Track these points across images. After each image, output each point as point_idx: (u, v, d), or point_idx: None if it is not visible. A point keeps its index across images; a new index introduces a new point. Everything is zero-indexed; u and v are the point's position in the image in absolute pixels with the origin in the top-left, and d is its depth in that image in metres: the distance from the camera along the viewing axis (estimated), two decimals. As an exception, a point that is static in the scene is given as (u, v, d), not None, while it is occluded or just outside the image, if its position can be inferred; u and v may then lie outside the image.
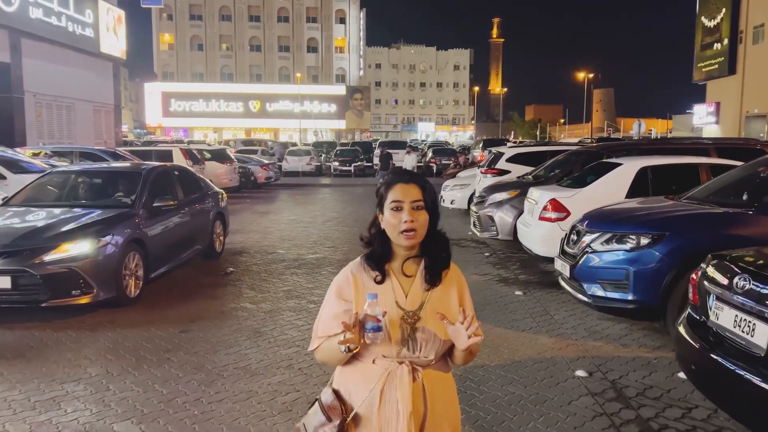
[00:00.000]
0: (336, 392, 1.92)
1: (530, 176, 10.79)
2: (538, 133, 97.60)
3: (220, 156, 20.94)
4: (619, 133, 68.74)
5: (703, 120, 50.97)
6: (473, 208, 11.07)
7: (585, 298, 5.55)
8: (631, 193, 7.35)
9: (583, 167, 9.22)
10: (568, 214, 7.45)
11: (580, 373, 4.60)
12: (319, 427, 1.87)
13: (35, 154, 15.50)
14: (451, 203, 14.81)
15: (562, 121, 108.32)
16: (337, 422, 1.85)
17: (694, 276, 3.79)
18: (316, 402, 1.94)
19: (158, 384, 4.42)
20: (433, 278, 1.91)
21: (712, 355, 3.33)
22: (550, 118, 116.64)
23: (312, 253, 9.80)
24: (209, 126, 69.29)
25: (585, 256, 5.55)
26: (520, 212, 9.32)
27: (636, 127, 32.25)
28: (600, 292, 5.40)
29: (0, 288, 5.71)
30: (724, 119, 47.90)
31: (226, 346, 5.27)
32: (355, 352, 1.82)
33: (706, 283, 3.59)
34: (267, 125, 70.30)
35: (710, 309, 3.48)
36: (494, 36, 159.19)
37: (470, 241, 10.94)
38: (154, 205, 7.30)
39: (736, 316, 3.23)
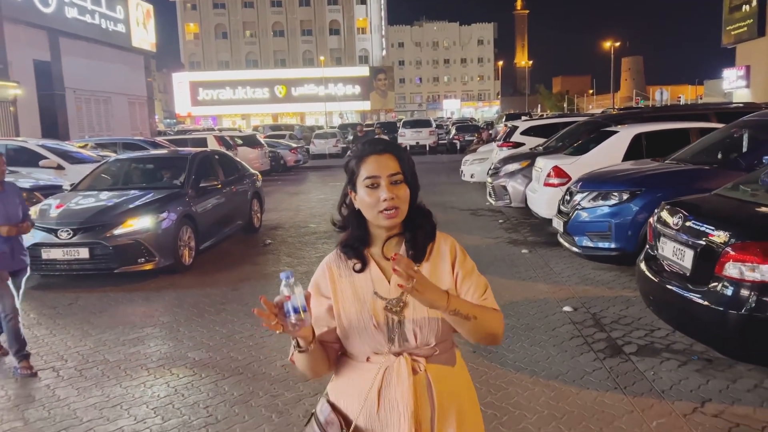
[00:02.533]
0: (332, 404, 1.70)
1: (541, 147, 11.54)
2: (565, 104, 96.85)
3: (250, 141, 21.99)
4: (648, 101, 68.06)
5: (734, 84, 50.05)
6: (488, 179, 11.87)
7: (576, 249, 6.40)
8: (627, 158, 8.07)
9: (589, 137, 9.94)
10: (569, 179, 8.22)
11: (566, 308, 5.47)
12: None
13: (82, 147, 16.75)
14: (471, 177, 15.55)
15: (591, 91, 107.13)
16: None
17: (651, 220, 4.62)
18: (312, 418, 1.73)
19: (218, 326, 5.45)
20: (416, 254, 1.67)
21: (660, 280, 4.17)
22: (578, 89, 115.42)
23: (340, 225, 10.75)
24: (237, 113, 70.62)
25: (575, 213, 6.40)
26: (531, 181, 10.10)
27: (659, 96, 32.32)
28: (588, 243, 6.25)
29: (80, 258, 6.81)
30: (755, 82, 47.04)
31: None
32: (308, 349, 1.57)
33: (658, 225, 4.43)
34: (293, 110, 71.33)
35: (658, 244, 4.32)
36: (519, 7, 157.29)
37: (487, 211, 11.76)
38: (201, 185, 8.33)
39: (674, 247, 4.07)
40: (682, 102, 57.09)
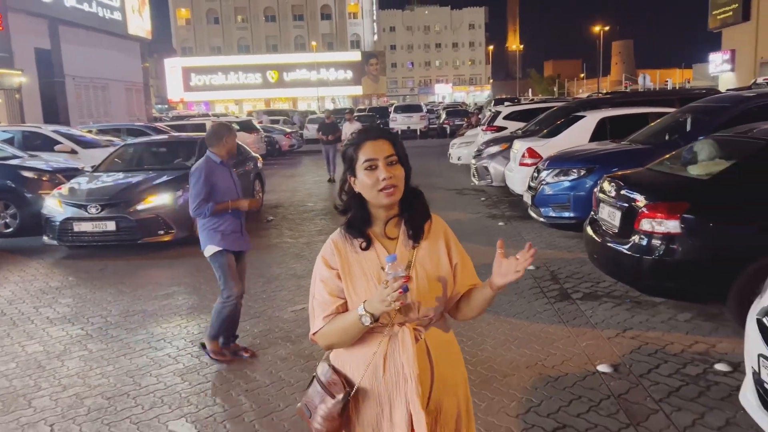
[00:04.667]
0: (333, 367, 1.86)
1: (520, 131, 12.49)
2: (556, 89, 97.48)
3: (247, 127, 22.76)
4: (637, 86, 68.91)
5: (719, 68, 51.19)
6: (472, 160, 12.83)
7: (542, 219, 7.39)
8: (593, 140, 9.04)
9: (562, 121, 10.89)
10: (541, 159, 9.18)
11: (530, 267, 6.41)
12: (322, 404, 1.81)
13: (86, 133, 17.51)
14: (458, 159, 16.48)
15: (582, 75, 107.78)
16: (341, 396, 1.78)
17: (595, 191, 5.58)
18: (314, 380, 1.89)
19: (235, 284, 6.39)
20: (416, 234, 1.85)
21: (600, 239, 5.14)
22: (569, 73, 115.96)
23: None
24: (230, 98, 71.05)
25: (541, 187, 7.37)
26: (510, 161, 11.05)
27: (641, 80, 33.30)
28: (552, 213, 7.24)
29: (108, 230, 7.74)
30: (740, 66, 48.15)
31: (278, 263, 7.23)
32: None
33: (600, 193, 5.39)
34: (285, 95, 71.80)
35: (599, 209, 5.29)
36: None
37: (471, 190, 12.72)
38: (210, 166, 9.21)
39: (609, 210, 5.04)
40: (670, 86, 58.05)
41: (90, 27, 27.74)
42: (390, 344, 1.77)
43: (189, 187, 4.34)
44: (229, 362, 4.33)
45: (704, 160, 4.98)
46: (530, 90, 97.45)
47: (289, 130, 27.27)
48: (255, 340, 4.80)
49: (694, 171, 4.85)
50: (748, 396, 2.93)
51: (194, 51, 77.00)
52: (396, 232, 1.86)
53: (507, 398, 3.65)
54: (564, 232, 7.70)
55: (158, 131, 17.83)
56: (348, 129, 15.89)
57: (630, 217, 4.63)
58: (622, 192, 4.91)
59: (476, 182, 12.41)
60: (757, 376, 2.81)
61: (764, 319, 2.82)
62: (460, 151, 16.52)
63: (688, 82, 63.02)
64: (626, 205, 4.74)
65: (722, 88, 37.05)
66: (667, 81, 66.43)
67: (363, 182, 1.78)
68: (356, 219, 1.83)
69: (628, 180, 5.04)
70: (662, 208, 4.33)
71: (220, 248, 4.33)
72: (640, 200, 4.59)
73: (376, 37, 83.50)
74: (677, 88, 47.90)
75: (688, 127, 7.16)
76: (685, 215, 4.27)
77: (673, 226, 4.29)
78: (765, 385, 2.73)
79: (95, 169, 9.31)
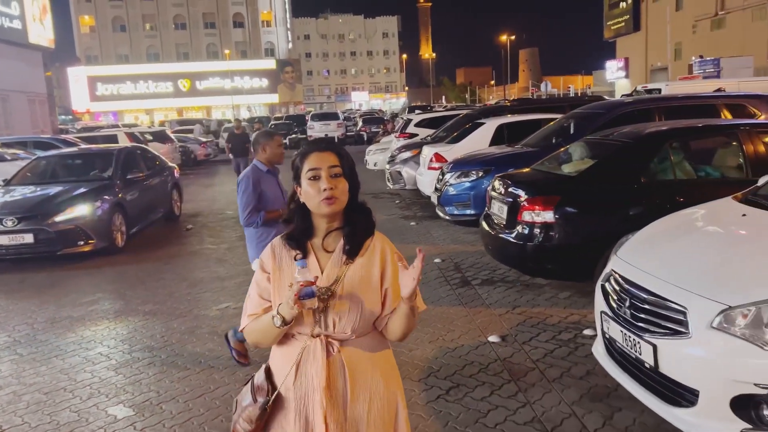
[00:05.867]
0: (267, 371, 1.92)
1: (430, 137, 13.29)
2: (468, 96, 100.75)
3: (161, 137, 22.49)
4: (541, 92, 72.67)
5: (615, 75, 55.00)
6: (386, 166, 13.50)
7: (447, 217, 8.12)
8: (492, 144, 9.90)
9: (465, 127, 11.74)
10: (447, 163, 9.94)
11: (436, 260, 7.12)
12: (246, 407, 1.89)
13: (-11, 146, 16.80)
14: (374, 165, 17.14)
15: (492, 82, 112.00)
16: (261, 403, 1.86)
17: (488, 189, 6.31)
18: (251, 380, 1.95)
19: (159, 289, 6.68)
20: (352, 249, 1.87)
21: (493, 231, 5.85)
22: (480, 81, 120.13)
23: (255, 210, 12.01)
24: (140, 108, 68.85)
25: (445, 188, 8.10)
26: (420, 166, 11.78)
27: (543, 87, 35.47)
28: (455, 211, 7.99)
29: (26, 243, 7.75)
30: (633, 73, 52.02)
31: (201, 268, 7.54)
32: (290, 325, 1.80)
33: (491, 191, 6.12)
34: (198, 103, 70.41)
35: (491, 205, 6.01)
36: (421, 0, 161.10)
37: (386, 194, 13.38)
38: (128, 177, 9.36)
39: (498, 205, 5.76)
40: (572, 92, 61.66)
41: (-13, 36, 26.44)
42: (304, 355, 1.84)
43: (237, 196, 4.25)
44: (247, 364, 4.32)
45: (575, 160, 5.81)
46: (443, 97, 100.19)
47: (204, 140, 27.05)
48: (183, 336, 5.16)
49: (566, 169, 5.66)
50: (597, 348, 3.65)
51: (100, 59, 73.98)
52: (334, 246, 1.89)
53: (411, 367, 4.24)
54: (467, 228, 8.46)
55: (68, 143, 17.41)
56: None
57: (514, 210, 5.36)
58: (509, 189, 5.64)
59: (391, 186, 13.09)
60: (602, 330, 3.53)
61: (606, 285, 3.55)
62: (375, 157, 17.18)
63: (589, 88, 67.16)
64: (511, 200, 5.47)
65: (618, 93, 40.06)
66: (569, 87, 70.50)
67: (306, 191, 1.85)
68: (297, 230, 1.90)
69: (513, 178, 5.79)
70: (539, 201, 5.08)
71: None
72: (522, 195, 5.33)
73: (290, 45, 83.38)
74: (579, 94, 51.15)
75: (571, 131, 8.09)
76: (557, 207, 5.03)
77: (548, 216, 5.04)
78: (607, 335, 3.45)
79: (7, 182, 9.21)
